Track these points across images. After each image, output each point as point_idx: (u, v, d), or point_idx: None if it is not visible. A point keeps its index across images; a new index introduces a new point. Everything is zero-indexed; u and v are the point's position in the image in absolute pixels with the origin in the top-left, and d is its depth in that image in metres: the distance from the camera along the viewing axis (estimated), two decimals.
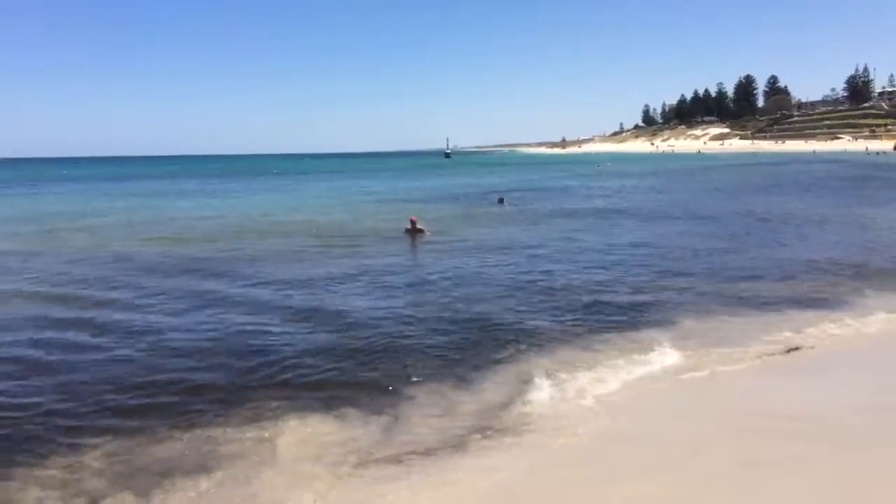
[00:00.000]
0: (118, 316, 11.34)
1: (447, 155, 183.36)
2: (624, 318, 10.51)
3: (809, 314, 10.64)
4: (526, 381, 7.77)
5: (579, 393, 7.40)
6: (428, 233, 19.71)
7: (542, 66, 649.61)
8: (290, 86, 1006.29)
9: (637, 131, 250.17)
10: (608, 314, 10.75)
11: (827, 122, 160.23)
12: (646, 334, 9.59)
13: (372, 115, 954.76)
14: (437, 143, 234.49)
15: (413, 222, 19.98)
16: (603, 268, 14.92)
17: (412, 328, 10.06)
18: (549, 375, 7.92)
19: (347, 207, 33.81)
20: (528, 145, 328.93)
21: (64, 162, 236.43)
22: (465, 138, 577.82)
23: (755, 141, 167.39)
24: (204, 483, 5.67)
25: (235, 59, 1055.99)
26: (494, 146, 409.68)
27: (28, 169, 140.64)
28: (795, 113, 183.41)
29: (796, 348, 9.02)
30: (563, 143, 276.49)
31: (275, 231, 22.87)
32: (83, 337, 10.11)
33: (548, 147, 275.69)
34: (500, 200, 32.70)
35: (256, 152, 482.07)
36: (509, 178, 64.66)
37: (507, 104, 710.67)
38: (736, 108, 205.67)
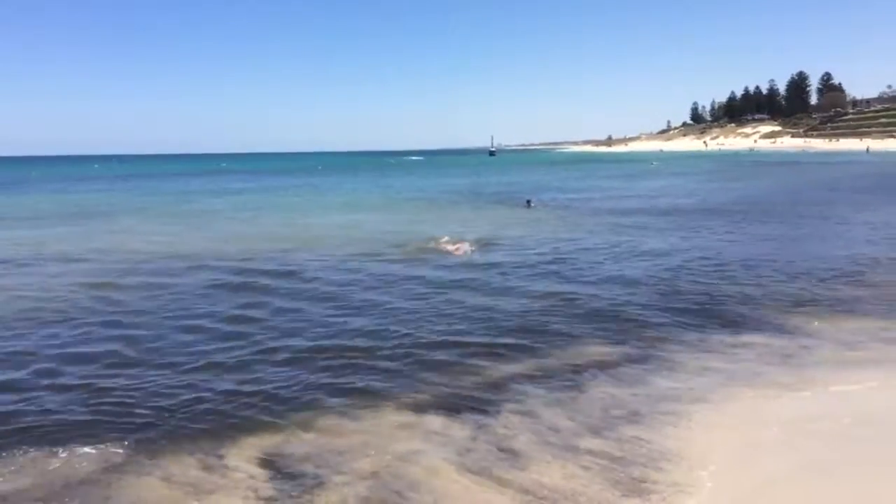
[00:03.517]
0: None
1: (492, 153, 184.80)
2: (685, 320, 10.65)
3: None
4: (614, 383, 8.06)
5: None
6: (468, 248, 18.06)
7: (587, 63, 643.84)
8: (333, 85, 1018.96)
9: (685, 129, 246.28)
10: (675, 310, 11.10)
11: (883, 120, 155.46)
12: (712, 337, 9.81)
13: (419, 113, 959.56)
14: (483, 142, 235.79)
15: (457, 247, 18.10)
16: (664, 271, 14.70)
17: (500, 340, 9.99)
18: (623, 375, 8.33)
19: (397, 207, 34.80)
20: (574, 143, 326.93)
21: (82, 159, 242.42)
22: (510, 137, 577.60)
23: (807, 139, 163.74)
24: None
25: (269, 57, 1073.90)
26: (540, 144, 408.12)
27: (65, 166, 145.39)
28: (850, 110, 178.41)
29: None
30: (609, 142, 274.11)
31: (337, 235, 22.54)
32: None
33: (593, 145, 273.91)
34: (528, 202, 32.50)
35: (292, 151, 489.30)
36: (550, 176, 65.63)
37: (552, 103, 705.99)
38: (788, 105, 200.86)
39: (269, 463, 6.27)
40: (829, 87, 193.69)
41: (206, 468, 6.22)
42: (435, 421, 7.08)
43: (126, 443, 6.76)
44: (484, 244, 18.30)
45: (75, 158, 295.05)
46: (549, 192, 42.23)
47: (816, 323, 10.37)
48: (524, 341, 9.71)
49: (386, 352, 9.42)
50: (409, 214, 29.88)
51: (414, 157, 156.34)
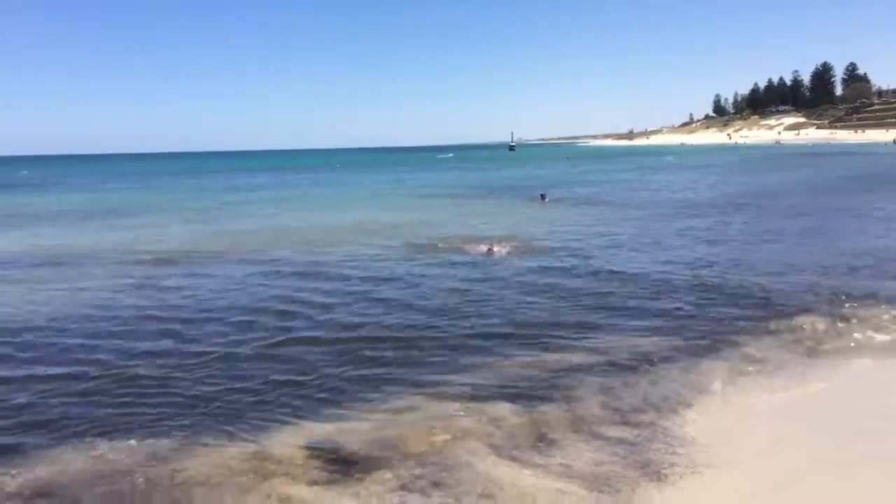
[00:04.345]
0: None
1: (511, 148, 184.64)
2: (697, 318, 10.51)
3: None
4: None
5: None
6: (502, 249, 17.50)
7: (608, 57, 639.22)
8: (353, 83, 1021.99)
9: (708, 122, 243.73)
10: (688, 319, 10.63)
11: None
12: (744, 328, 9.81)
13: (442, 109, 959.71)
14: (503, 137, 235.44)
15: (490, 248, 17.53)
16: (688, 266, 14.46)
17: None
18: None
19: (419, 203, 35.04)
20: (595, 137, 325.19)
21: (87, 159, 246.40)
22: (530, 131, 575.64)
23: (833, 131, 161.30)
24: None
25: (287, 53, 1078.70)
26: (560, 138, 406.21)
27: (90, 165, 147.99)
28: (876, 101, 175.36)
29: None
30: (631, 135, 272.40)
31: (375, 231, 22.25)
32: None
33: (614, 139, 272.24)
34: (542, 197, 32.25)
35: (310, 147, 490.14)
36: (567, 171, 65.56)
37: (573, 97, 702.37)
38: (813, 97, 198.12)
39: (320, 449, 6.44)
40: (854, 78, 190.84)
41: (258, 455, 6.35)
42: (484, 409, 7.27)
43: (176, 431, 6.89)
44: (510, 241, 18.32)
45: (86, 157, 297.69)
46: (566, 187, 42.27)
47: (846, 315, 10.30)
48: (566, 334, 9.87)
49: (433, 342, 9.66)
50: (430, 211, 30.05)
51: (441, 156, 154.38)
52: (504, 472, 5.93)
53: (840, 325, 9.86)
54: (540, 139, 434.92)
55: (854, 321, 9.99)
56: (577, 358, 8.80)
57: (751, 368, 8.26)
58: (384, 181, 59.16)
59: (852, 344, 9.08)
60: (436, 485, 5.75)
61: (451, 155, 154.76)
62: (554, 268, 14.89)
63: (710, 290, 12.30)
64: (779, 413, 6.96)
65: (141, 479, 5.98)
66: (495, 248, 17.39)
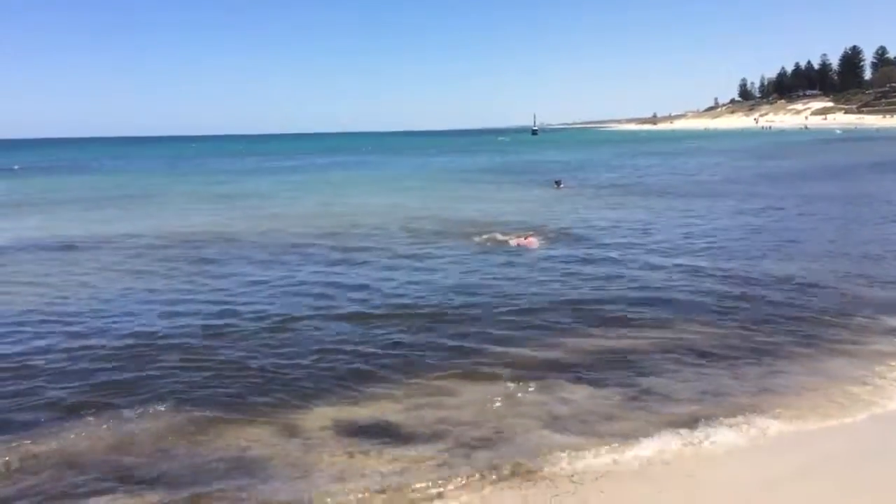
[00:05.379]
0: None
1: (534, 132, 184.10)
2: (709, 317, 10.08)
3: None
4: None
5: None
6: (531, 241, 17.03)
7: (633, 41, 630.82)
8: (379, 66, 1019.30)
9: (733, 106, 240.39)
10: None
11: None
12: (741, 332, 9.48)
13: (464, 93, 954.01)
14: (527, 121, 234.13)
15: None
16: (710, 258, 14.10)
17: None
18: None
19: (441, 188, 35.58)
20: (618, 122, 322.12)
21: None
22: (553, 116, 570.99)
23: (861, 115, 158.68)
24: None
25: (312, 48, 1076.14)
26: (584, 123, 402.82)
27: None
28: None
29: None
30: (654, 120, 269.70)
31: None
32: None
33: (638, 124, 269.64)
34: (557, 183, 32.14)
35: (337, 131, 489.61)
36: (588, 156, 65.11)
37: (597, 81, 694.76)
38: (841, 81, 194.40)
39: (361, 421, 6.67)
40: (883, 62, 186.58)
41: (298, 427, 6.55)
42: (536, 383, 7.52)
43: (215, 403, 7.07)
44: (528, 229, 18.30)
45: (114, 140, 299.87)
46: (587, 172, 42.41)
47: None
48: (604, 321, 9.96)
49: (473, 322, 9.87)
50: (451, 194, 30.60)
51: (501, 138, 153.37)
52: (545, 436, 6.32)
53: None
54: (563, 124, 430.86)
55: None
56: (624, 342, 8.94)
57: (809, 367, 8.09)
58: (409, 164, 59.79)
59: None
60: (477, 447, 6.10)
61: (507, 139, 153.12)
62: (572, 256, 14.89)
63: (741, 278, 12.17)
64: (824, 412, 6.88)
65: (179, 448, 6.15)
66: (517, 238, 17.21)
